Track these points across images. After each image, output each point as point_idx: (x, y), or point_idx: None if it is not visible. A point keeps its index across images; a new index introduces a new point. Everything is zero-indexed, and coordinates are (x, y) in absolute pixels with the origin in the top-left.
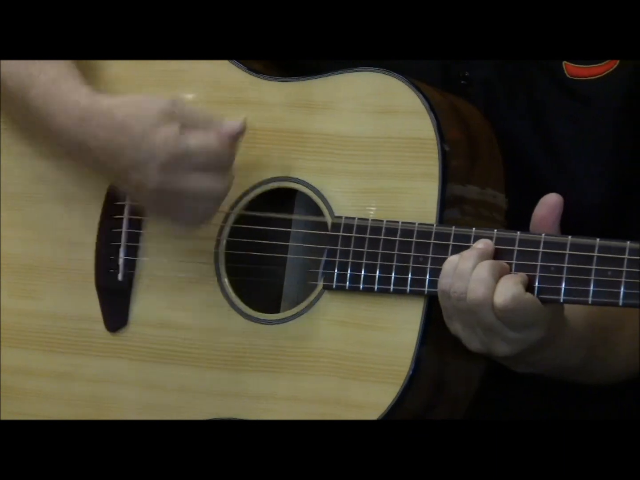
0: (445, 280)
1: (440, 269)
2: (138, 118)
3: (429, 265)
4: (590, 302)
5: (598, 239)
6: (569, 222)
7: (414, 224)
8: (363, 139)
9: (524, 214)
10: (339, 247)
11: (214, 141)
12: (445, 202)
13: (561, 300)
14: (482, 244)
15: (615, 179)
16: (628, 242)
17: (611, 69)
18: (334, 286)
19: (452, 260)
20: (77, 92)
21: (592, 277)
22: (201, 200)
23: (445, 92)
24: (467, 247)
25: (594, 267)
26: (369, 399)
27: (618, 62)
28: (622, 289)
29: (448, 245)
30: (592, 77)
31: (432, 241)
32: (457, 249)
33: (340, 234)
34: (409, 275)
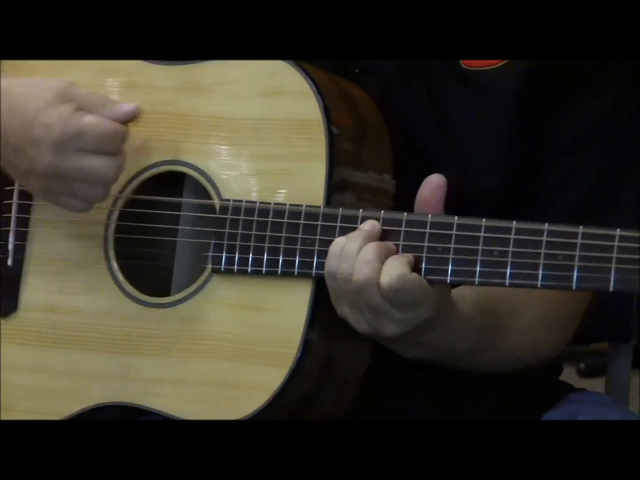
0: (332, 262)
1: (327, 251)
2: (33, 97)
3: (316, 247)
4: (477, 282)
5: (484, 219)
6: (467, 208)
7: (302, 206)
8: (250, 121)
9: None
10: (227, 230)
11: (107, 123)
12: (333, 184)
13: (448, 281)
14: (369, 226)
15: (512, 165)
16: (514, 222)
17: (505, 60)
18: (222, 269)
19: (338, 242)
20: None
21: (479, 257)
22: (91, 182)
23: (333, 75)
24: (355, 229)
25: (480, 247)
26: (258, 381)
27: None
28: (508, 269)
29: (335, 226)
30: (487, 68)
31: (319, 223)
32: (345, 231)
33: (228, 216)
34: (297, 258)
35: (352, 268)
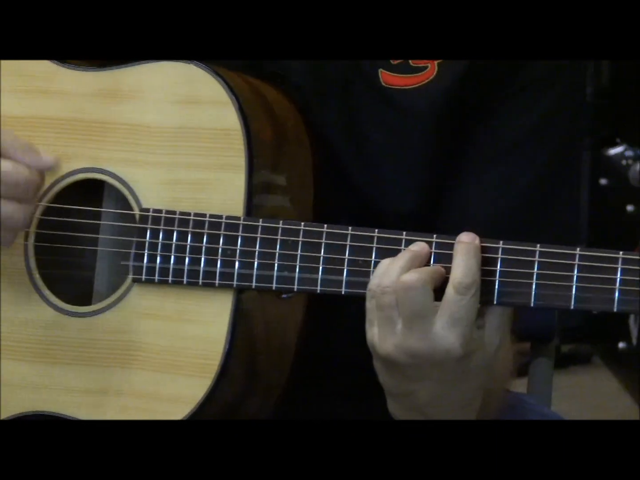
0: (374, 281)
1: (248, 262)
2: None
3: (237, 258)
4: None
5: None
6: (380, 227)
7: (222, 216)
8: (169, 130)
9: (332, 214)
10: (147, 240)
11: (24, 171)
12: (253, 193)
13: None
14: (417, 247)
15: (426, 189)
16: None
17: (426, 80)
18: (143, 279)
19: (382, 262)
20: None
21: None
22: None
23: (251, 79)
24: (275, 239)
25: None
26: (181, 392)
27: (434, 74)
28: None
29: (256, 237)
30: (407, 87)
31: (239, 234)
32: (265, 242)
33: (149, 226)
34: (218, 268)
35: (392, 282)
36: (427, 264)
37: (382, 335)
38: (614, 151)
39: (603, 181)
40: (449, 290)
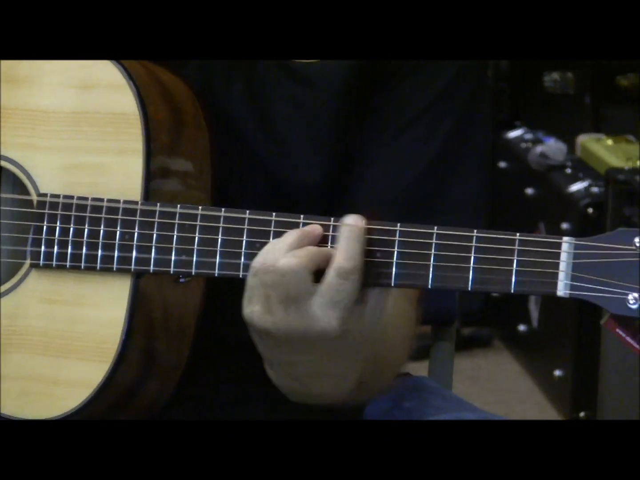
0: (258, 258)
1: (146, 246)
2: None
3: (134, 242)
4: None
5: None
6: (287, 202)
7: (119, 201)
8: (66, 114)
9: (238, 191)
10: (45, 225)
11: None
12: (151, 178)
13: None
14: (308, 227)
15: (332, 161)
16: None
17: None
18: (40, 264)
19: (271, 242)
20: None
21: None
22: None
23: (148, 63)
24: (173, 224)
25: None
26: (79, 376)
27: None
28: None
29: (153, 222)
30: (312, 60)
31: (137, 218)
32: (163, 226)
33: (46, 211)
34: (115, 253)
35: (275, 260)
36: (318, 244)
37: (261, 312)
38: (513, 134)
39: (502, 164)
40: (330, 273)
